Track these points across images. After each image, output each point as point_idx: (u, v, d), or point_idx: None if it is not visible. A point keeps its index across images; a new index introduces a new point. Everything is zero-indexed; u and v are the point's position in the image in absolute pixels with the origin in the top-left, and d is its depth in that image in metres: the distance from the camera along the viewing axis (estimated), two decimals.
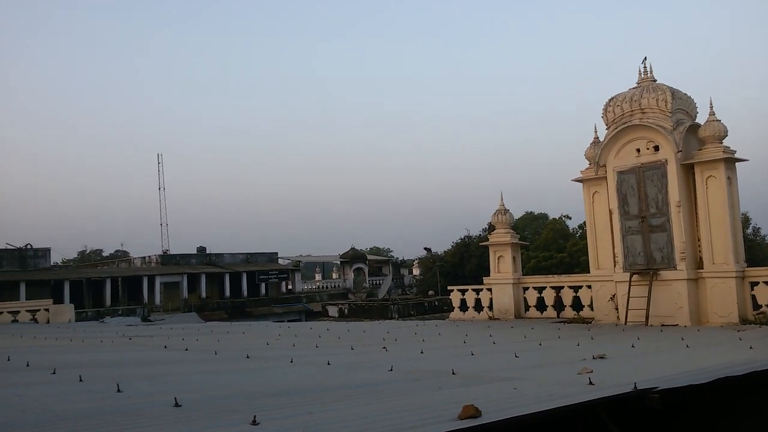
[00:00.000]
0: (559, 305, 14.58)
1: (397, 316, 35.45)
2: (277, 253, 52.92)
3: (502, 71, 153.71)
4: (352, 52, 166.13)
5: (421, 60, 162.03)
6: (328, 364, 5.83)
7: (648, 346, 8.02)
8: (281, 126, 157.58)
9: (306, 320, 41.12)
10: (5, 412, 3.20)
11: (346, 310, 39.13)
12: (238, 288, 45.95)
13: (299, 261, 53.74)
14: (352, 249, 53.59)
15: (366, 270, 53.06)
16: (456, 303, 16.87)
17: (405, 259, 66.44)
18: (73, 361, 6.22)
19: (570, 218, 50.13)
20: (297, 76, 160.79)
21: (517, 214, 16.23)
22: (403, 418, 2.95)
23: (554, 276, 16.66)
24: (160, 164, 59.57)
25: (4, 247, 39.96)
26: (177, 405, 3.29)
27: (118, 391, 3.83)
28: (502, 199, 15.99)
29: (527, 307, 15.24)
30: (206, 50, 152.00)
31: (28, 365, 5.43)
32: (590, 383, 3.87)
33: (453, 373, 4.91)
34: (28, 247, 40.47)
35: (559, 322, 13.62)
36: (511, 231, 15.86)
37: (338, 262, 56.23)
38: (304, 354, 7.41)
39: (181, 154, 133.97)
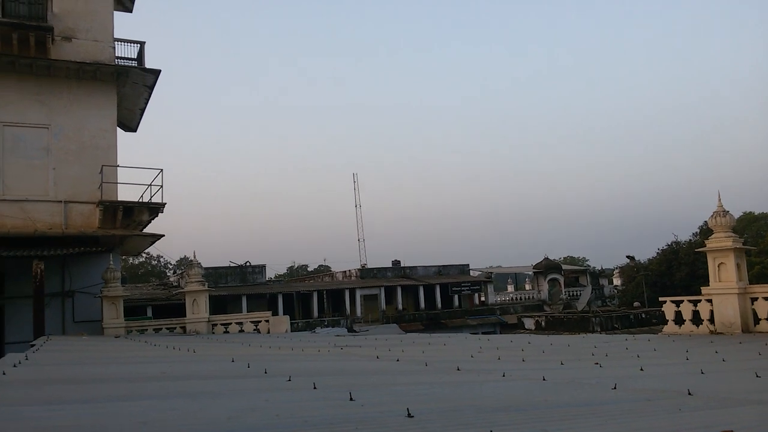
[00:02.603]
0: None
1: (599, 330, 33.63)
2: (468, 264, 53.08)
3: (702, 64, 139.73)
4: (559, 57, 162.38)
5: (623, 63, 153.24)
6: (544, 379, 5.65)
7: None
8: (470, 138, 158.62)
9: (500, 332, 40.64)
10: (261, 416, 3.54)
11: (543, 323, 38.00)
12: (432, 300, 46.79)
13: (491, 272, 53.33)
14: (546, 259, 51.92)
15: (561, 281, 51.03)
16: (670, 315, 15.48)
17: (603, 268, 62.72)
18: (303, 368, 6.75)
19: None
20: (481, 86, 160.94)
21: (735, 214, 14.49)
22: None
23: None
24: (356, 183, 63.19)
25: (228, 265, 44.98)
26: (410, 416, 3.38)
27: (351, 399, 4.04)
28: (720, 200, 14.39)
29: (757, 320, 13.49)
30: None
31: (266, 372, 5.98)
32: None
33: (689, 394, 4.47)
34: (248, 264, 45.18)
35: None
36: (733, 234, 14.18)
37: (531, 273, 54.82)
38: (513, 368, 7.26)
39: (374, 173, 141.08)
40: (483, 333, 37.54)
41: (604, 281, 58.28)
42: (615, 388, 4.99)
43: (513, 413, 3.58)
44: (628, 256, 54.65)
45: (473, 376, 6.19)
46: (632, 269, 54.25)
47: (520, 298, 51.58)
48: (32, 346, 11.65)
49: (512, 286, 61.33)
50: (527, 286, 57.90)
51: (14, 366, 6.56)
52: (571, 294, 51.81)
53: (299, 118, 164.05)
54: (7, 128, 18.95)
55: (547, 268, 51.06)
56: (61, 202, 19.15)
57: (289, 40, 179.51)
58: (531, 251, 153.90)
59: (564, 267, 55.53)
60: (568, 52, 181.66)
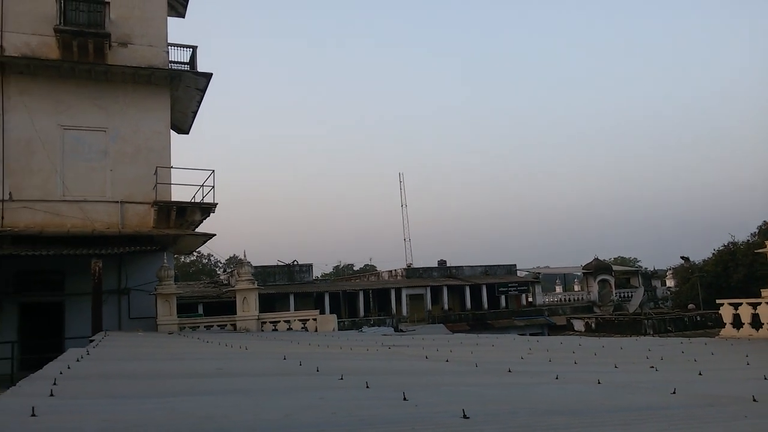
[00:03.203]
0: None
1: (652, 332, 32.74)
2: (515, 265, 52.49)
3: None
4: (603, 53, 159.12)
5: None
6: (599, 382, 5.55)
7: None
8: (518, 136, 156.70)
9: (548, 334, 40.00)
10: (317, 414, 3.59)
11: (593, 325, 37.23)
12: (478, 300, 46.45)
13: (538, 273, 52.56)
14: (596, 259, 50.85)
15: (612, 282, 49.90)
16: (727, 319, 15.00)
17: (656, 269, 61.02)
18: (354, 367, 6.81)
19: None
20: (546, 81, 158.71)
21: None
22: None
23: None
24: (402, 182, 63.23)
25: (276, 264, 45.67)
26: (465, 417, 3.38)
27: (404, 399, 4.06)
28: None
29: None
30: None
31: (317, 370, 6.06)
32: None
33: (754, 400, 4.32)
34: (295, 263, 45.81)
35: None
36: None
37: (580, 274, 53.80)
38: (566, 370, 7.15)
39: (419, 172, 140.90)
40: (531, 334, 37.03)
41: (656, 282, 56.70)
42: (674, 392, 4.87)
43: (570, 417, 3.54)
44: (682, 257, 53.02)
45: (525, 378, 6.13)
46: (687, 270, 52.64)
47: (569, 299, 50.64)
48: (91, 341, 12.09)
49: (560, 286, 60.28)
50: (576, 287, 56.80)
51: (77, 360, 6.83)
52: (621, 295, 50.59)
53: (347, 118, 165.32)
54: (67, 132, 19.69)
55: (597, 268, 50.00)
56: (117, 202, 19.80)
57: (336, 38, 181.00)
58: (580, 251, 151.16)
59: (614, 268, 54.26)
60: (625, 47, 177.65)
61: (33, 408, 3.29)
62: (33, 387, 4.47)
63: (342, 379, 5.33)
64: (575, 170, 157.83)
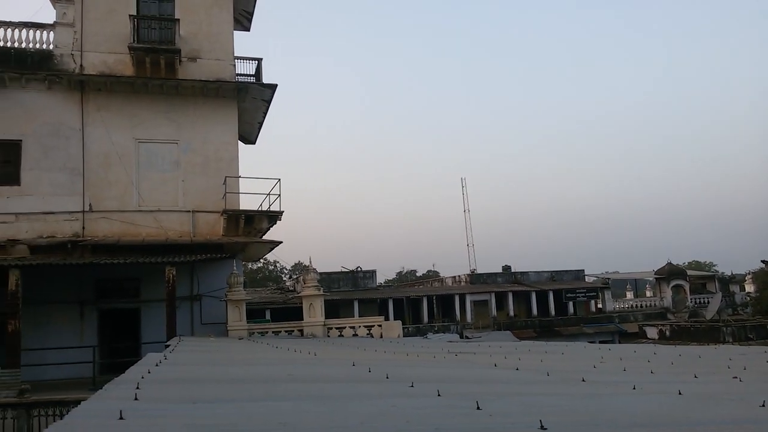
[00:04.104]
0: None
1: (731, 340, 31.17)
2: (583, 270, 51.16)
3: None
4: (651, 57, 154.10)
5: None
6: (680, 393, 5.31)
7: None
8: (584, 138, 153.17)
9: (619, 341, 38.71)
10: (391, 422, 3.59)
11: (667, 332, 35.83)
12: (544, 306, 45.54)
13: (608, 278, 51.02)
14: (669, 264, 48.95)
15: (686, 287, 47.90)
16: None
17: (734, 273, 58.12)
18: (422, 375, 6.78)
19: None
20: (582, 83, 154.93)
21: None
22: None
23: None
24: (464, 187, 62.90)
25: (340, 270, 46.20)
26: (542, 428, 3.29)
27: (478, 408, 4.00)
28: None
29: None
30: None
31: (387, 377, 6.06)
32: None
33: None
34: (359, 269, 46.20)
35: None
36: None
37: (652, 279, 51.90)
38: (643, 380, 6.89)
39: (482, 176, 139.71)
40: (600, 342, 35.92)
41: (734, 288, 53.99)
42: (764, 405, 4.61)
43: (653, 429, 3.40)
44: (763, 261, 50.24)
45: (601, 388, 5.94)
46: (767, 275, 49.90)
47: (641, 306, 48.87)
48: (167, 346, 12.55)
49: (631, 292, 58.27)
50: (648, 293, 54.78)
51: (156, 365, 7.09)
52: (697, 301, 48.46)
53: (408, 124, 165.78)
54: (141, 145, 20.58)
55: (670, 273, 48.11)
56: (189, 211, 20.52)
57: (394, 38, 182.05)
58: (651, 256, 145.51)
59: (689, 272, 52.09)
60: (688, 53, 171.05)
61: (120, 411, 3.43)
62: (118, 391, 4.66)
63: (413, 386, 5.31)
64: (644, 171, 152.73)
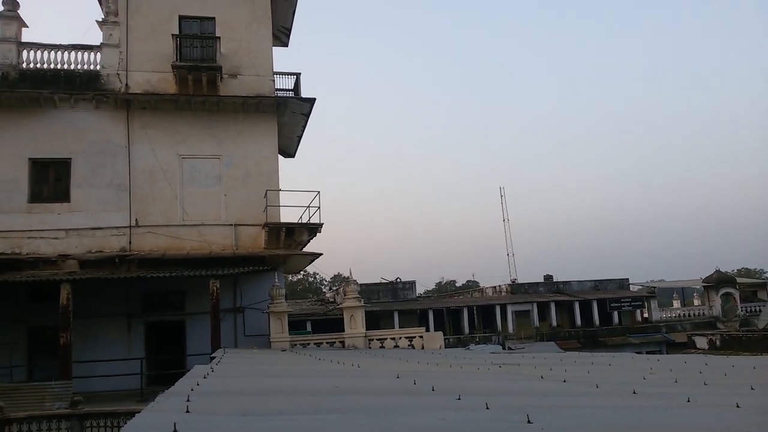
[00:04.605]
0: None
1: None
2: (628, 279, 50.03)
3: None
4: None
5: None
6: (737, 406, 5.12)
7: None
8: (627, 143, 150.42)
9: (667, 352, 37.65)
10: None
11: (717, 342, 34.71)
12: (588, 316, 44.63)
13: (653, 287, 49.75)
14: (717, 272, 47.46)
15: (736, 295, 46.34)
16: None
17: None
18: (468, 387, 6.71)
19: None
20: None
21: None
22: None
23: None
24: (503, 196, 62.40)
25: (379, 281, 46.21)
26: None
27: (529, 422, 3.93)
28: None
29: None
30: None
31: (433, 389, 6.02)
32: None
33: None
34: (398, 280, 46.15)
35: None
36: None
37: (700, 287, 50.41)
38: (697, 392, 6.67)
39: (521, 184, 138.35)
40: (647, 352, 34.99)
41: None
42: None
43: None
44: None
45: (653, 401, 5.78)
46: None
47: (689, 315, 47.45)
48: (212, 358, 12.73)
49: (678, 301, 56.69)
50: (696, 302, 53.19)
51: (204, 377, 7.19)
52: (748, 310, 46.82)
53: (447, 134, 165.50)
54: (185, 160, 21.04)
55: (719, 281, 46.63)
56: (231, 225, 20.85)
57: (430, 48, 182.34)
58: (698, 263, 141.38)
59: (739, 280, 50.40)
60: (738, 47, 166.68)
61: (174, 424, 3.49)
62: (170, 403, 4.74)
63: (460, 399, 5.25)
64: (689, 177, 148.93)
